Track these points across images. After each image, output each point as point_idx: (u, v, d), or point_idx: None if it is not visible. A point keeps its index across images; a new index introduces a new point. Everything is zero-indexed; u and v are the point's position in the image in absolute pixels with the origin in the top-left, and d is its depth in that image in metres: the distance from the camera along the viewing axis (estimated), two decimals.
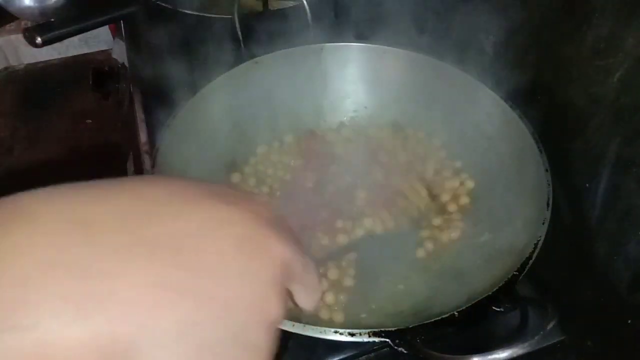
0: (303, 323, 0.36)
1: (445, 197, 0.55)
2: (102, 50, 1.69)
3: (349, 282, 0.49)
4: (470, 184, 0.56)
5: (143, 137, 0.63)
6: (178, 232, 0.19)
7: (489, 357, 0.34)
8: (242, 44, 0.59)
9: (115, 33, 0.93)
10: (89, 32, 0.66)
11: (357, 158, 0.59)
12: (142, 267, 0.17)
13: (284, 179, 0.58)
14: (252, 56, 0.58)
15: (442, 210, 0.55)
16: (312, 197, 0.56)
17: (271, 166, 0.59)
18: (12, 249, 0.16)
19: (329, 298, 0.47)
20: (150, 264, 0.17)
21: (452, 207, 0.54)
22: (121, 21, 0.80)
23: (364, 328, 0.36)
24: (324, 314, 0.46)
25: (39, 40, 0.57)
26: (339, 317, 0.46)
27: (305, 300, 0.24)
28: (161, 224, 0.18)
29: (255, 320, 0.19)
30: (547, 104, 0.50)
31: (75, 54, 1.71)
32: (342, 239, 0.52)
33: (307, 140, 0.61)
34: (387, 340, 0.36)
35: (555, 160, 0.47)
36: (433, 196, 0.56)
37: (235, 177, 0.58)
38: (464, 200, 0.55)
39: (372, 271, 0.50)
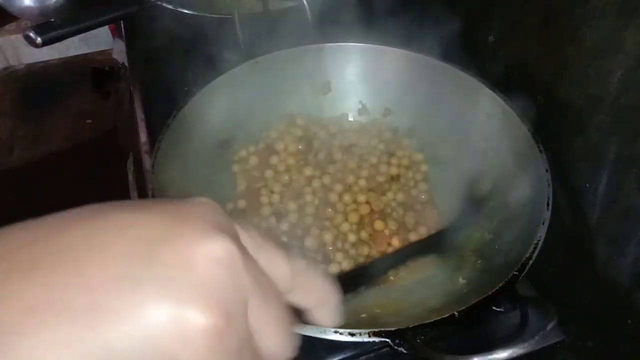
0: (303, 323, 0.36)
1: None
2: (102, 50, 1.69)
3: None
4: None
5: (143, 137, 0.63)
6: (63, 247, 0.17)
7: (489, 357, 0.34)
8: (242, 44, 0.59)
9: (115, 33, 0.93)
10: (89, 32, 0.66)
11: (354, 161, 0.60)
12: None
13: (283, 179, 0.58)
14: (252, 56, 0.58)
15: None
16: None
17: (271, 166, 0.59)
18: None
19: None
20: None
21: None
22: (121, 21, 0.80)
23: (364, 328, 0.36)
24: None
25: (39, 40, 0.57)
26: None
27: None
28: (43, 241, 0.17)
29: (167, 332, 0.16)
30: (547, 104, 0.50)
31: (75, 54, 1.71)
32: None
33: (306, 141, 0.61)
34: (387, 340, 0.36)
35: (555, 160, 0.47)
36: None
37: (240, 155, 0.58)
38: None
39: None
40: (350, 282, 0.28)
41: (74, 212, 0.19)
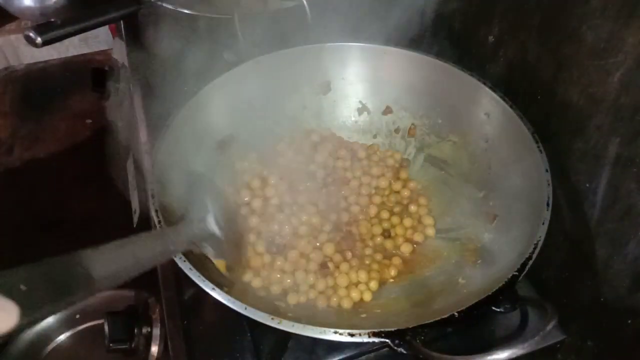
0: (303, 323, 0.36)
1: None
2: (102, 50, 1.69)
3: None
4: None
5: (143, 137, 0.63)
6: None
7: (489, 357, 0.34)
8: (242, 44, 0.59)
9: (115, 33, 0.93)
10: (89, 32, 0.66)
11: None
12: None
13: (283, 180, 0.58)
14: (252, 56, 0.58)
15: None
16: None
17: (270, 167, 0.59)
18: None
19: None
20: None
21: None
22: (121, 21, 0.80)
23: (364, 328, 0.36)
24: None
25: (39, 40, 0.57)
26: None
27: None
28: None
29: None
30: (547, 104, 0.50)
31: (75, 54, 1.71)
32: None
33: (305, 142, 0.61)
34: (387, 340, 0.36)
35: (555, 160, 0.47)
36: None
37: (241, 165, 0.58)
38: None
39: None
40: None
41: None
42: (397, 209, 0.56)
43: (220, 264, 0.45)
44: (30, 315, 0.26)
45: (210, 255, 0.44)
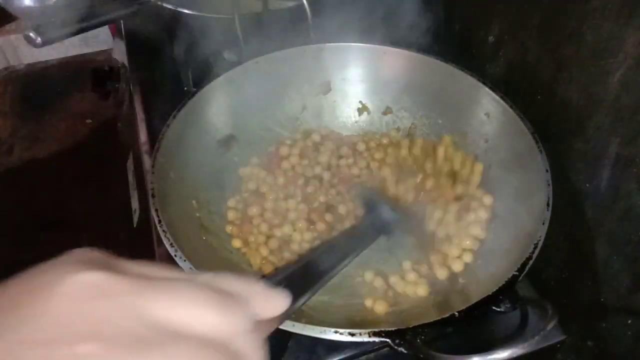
0: (303, 323, 0.36)
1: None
2: (102, 50, 1.69)
3: None
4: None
5: (143, 137, 0.63)
6: None
7: (489, 357, 0.34)
8: (242, 44, 0.59)
9: (115, 33, 0.93)
10: (89, 32, 0.66)
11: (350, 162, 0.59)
12: None
13: (283, 180, 0.58)
14: (252, 56, 0.58)
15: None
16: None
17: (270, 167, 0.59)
18: None
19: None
20: None
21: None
22: (121, 21, 0.80)
23: (364, 328, 0.36)
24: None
25: (39, 40, 0.57)
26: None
27: None
28: None
29: None
30: (547, 104, 0.50)
31: (75, 54, 1.71)
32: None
33: (305, 142, 0.61)
34: (387, 340, 0.36)
35: (555, 160, 0.47)
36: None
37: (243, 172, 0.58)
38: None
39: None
40: (295, 287, 0.28)
41: None
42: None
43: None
44: (296, 303, 0.27)
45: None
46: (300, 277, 0.31)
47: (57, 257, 0.20)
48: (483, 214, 0.51)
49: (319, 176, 0.58)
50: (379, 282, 0.49)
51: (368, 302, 0.47)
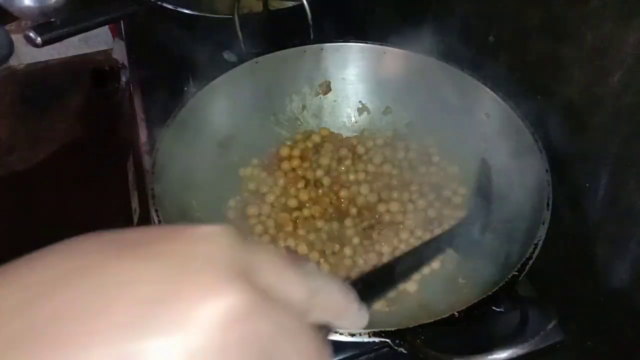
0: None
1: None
2: (102, 50, 1.69)
3: None
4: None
5: (143, 137, 0.63)
6: (49, 318, 0.14)
7: (489, 357, 0.34)
8: (242, 44, 0.59)
9: (115, 33, 0.93)
10: (89, 32, 0.66)
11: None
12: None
13: (283, 181, 0.58)
14: (252, 56, 0.58)
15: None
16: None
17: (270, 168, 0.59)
18: None
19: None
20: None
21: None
22: (121, 21, 0.80)
23: (364, 328, 0.36)
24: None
25: (39, 40, 0.57)
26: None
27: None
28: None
29: None
30: (547, 104, 0.50)
31: (75, 54, 1.71)
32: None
33: (305, 142, 0.61)
34: (387, 340, 0.36)
35: (555, 160, 0.47)
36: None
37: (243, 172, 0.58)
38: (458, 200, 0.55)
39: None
40: (374, 287, 0.28)
41: (61, 265, 0.16)
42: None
43: None
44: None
45: None
46: (373, 285, 0.30)
47: (199, 234, 0.17)
48: None
49: (320, 180, 0.57)
50: None
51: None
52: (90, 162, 1.36)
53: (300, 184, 0.56)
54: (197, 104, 0.53)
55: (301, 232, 0.53)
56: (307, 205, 0.55)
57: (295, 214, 0.54)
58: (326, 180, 0.57)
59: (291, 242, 0.52)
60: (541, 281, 0.50)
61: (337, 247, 0.52)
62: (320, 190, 0.56)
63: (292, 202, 0.55)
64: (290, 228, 0.53)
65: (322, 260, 0.51)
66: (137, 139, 0.64)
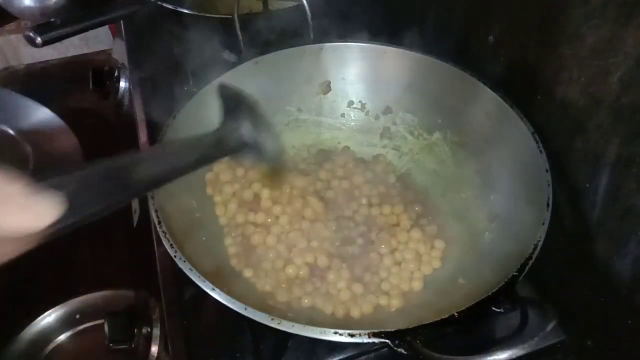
0: (303, 323, 0.36)
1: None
2: (102, 50, 1.69)
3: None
4: None
5: (143, 137, 0.63)
6: None
7: (489, 357, 0.34)
8: (242, 44, 0.59)
9: (115, 33, 0.93)
10: (89, 32, 0.66)
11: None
12: None
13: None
14: (252, 56, 0.58)
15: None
16: None
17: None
18: None
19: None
20: None
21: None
22: (121, 21, 0.80)
23: (364, 329, 0.36)
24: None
25: (39, 40, 0.57)
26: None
27: None
28: None
29: None
30: (547, 104, 0.50)
31: (75, 54, 1.71)
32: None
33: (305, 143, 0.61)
34: (387, 341, 0.36)
35: (555, 160, 0.47)
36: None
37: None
38: None
39: None
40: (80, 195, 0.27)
41: None
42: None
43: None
44: (78, 214, 0.26)
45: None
46: (94, 184, 0.29)
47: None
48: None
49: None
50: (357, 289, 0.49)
51: (354, 312, 0.47)
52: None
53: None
54: (197, 104, 0.53)
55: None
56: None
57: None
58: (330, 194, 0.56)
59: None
60: (541, 281, 0.50)
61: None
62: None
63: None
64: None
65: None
66: (137, 139, 0.64)
